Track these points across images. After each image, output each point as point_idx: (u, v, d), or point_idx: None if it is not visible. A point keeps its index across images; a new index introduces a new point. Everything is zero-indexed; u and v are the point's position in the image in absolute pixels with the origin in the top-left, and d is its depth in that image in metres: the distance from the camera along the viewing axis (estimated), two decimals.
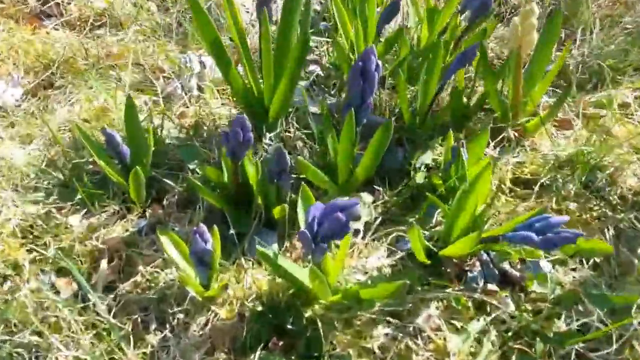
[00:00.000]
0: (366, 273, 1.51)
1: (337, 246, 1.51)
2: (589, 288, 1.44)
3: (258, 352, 1.36)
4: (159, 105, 1.88)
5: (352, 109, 1.50)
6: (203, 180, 1.63)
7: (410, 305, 1.43)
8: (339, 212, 1.16)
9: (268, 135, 1.74)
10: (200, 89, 1.98)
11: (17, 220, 1.63)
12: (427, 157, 1.72)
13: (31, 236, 1.62)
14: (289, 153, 1.75)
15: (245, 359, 1.37)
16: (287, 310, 1.42)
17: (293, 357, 1.36)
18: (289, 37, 1.67)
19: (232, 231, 1.56)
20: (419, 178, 1.65)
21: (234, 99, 1.91)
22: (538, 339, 1.36)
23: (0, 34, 2.24)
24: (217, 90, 1.98)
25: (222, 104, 1.95)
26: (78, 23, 2.34)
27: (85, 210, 1.67)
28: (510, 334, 1.39)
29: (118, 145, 1.59)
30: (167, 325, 1.44)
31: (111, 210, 1.67)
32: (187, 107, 1.93)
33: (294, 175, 1.67)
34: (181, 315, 1.45)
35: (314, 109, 1.84)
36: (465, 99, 1.83)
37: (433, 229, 1.58)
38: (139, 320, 1.46)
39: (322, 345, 1.35)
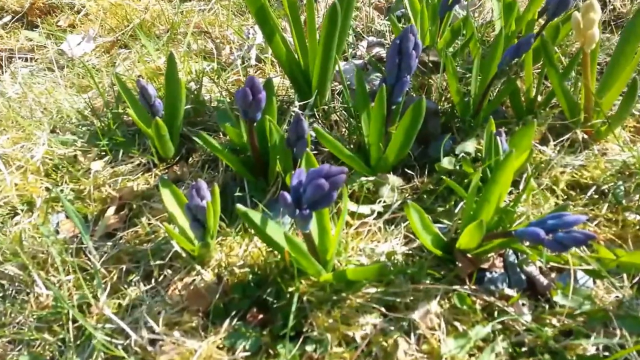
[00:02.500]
0: (372, 258, 1.26)
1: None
2: (623, 308, 1.12)
3: (230, 321, 1.16)
4: (216, 72, 1.73)
5: (385, 85, 1.30)
6: (231, 144, 1.45)
7: (411, 298, 1.17)
8: (322, 178, 0.95)
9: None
10: (261, 61, 1.81)
11: (45, 158, 1.53)
12: (470, 146, 1.44)
13: (54, 176, 1.51)
14: (331, 129, 1.55)
15: (217, 326, 1.16)
16: (274, 284, 1.21)
17: (265, 332, 1.14)
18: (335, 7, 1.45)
19: (238, 196, 1.38)
20: (447, 163, 1.38)
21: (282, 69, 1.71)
22: (549, 357, 1.07)
23: None
24: (278, 64, 1.80)
25: (278, 76, 1.77)
26: None
27: (110, 157, 1.54)
28: (523, 349, 1.10)
29: (151, 98, 1.44)
30: (153, 280, 1.27)
31: (137, 162, 1.53)
32: (240, 75, 1.77)
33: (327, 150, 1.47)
34: (169, 272, 1.28)
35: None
36: (532, 94, 1.55)
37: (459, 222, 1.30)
38: (125, 270, 1.30)
39: (298, 324, 1.13)
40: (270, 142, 1.35)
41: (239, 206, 1.10)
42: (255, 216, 1.12)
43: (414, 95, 1.64)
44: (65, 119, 1.65)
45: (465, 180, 1.33)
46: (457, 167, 1.36)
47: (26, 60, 2.00)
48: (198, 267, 1.25)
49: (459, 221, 1.28)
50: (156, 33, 2.01)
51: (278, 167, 1.38)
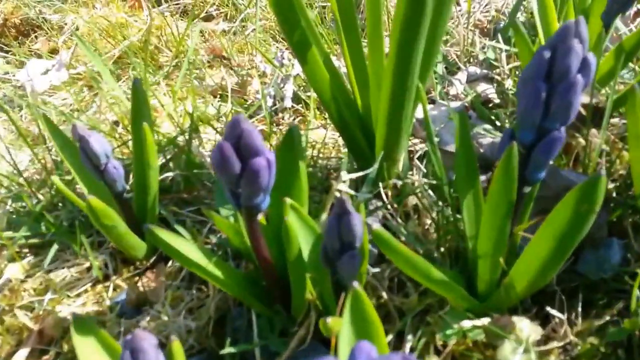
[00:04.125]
0: None
1: None
2: None
3: None
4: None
5: (517, 143, 0.64)
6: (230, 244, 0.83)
7: None
8: None
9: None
10: (301, 102, 1.20)
11: None
12: None
13: None
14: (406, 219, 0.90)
15: None
16: None
17: None
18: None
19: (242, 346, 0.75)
20: None
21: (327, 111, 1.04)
22: None
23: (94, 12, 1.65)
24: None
25: (322, 125, 1.14)
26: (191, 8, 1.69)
27: (41, 257, 0.94)
28: None
29: (98, 158, 0.83)
30: None
31: (85, 266, 0.93)
32: (266, 124, 1.14)
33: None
34: None
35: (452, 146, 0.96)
36: None
37: None
38: None
39: None
40: (290, 251, 0.71)
41: None
42: None
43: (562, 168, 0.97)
44: None
45: None
46: None
47: None
48: None
49: None
50: (161, 61, 1.42)
51: (310, 290, 0.75)
